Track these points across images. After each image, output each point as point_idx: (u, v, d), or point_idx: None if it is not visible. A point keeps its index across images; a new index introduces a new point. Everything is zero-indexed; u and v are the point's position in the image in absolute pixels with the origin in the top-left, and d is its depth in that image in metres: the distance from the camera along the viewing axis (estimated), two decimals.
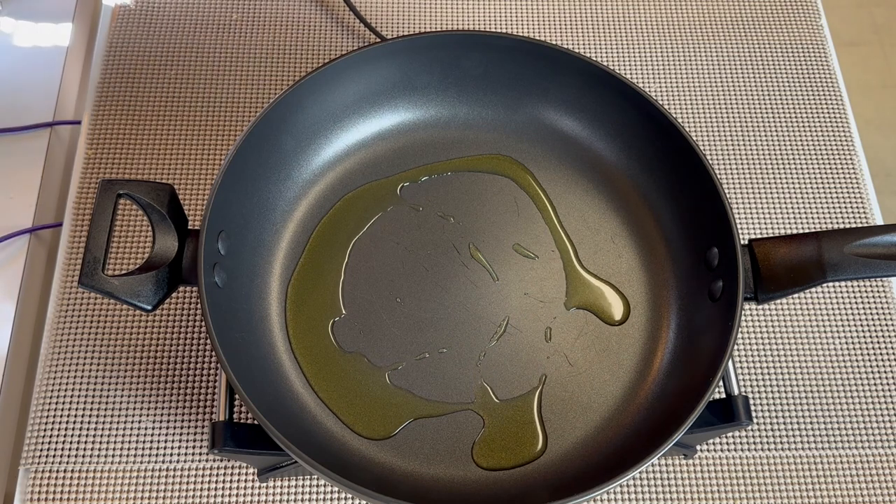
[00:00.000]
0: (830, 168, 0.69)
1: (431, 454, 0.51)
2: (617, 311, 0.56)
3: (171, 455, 0.57)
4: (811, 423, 0.59)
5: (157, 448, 0.57)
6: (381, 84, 0.59)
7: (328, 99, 0.57)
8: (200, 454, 0.57)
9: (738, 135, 0.71)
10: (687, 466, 0.58)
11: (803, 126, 0.71)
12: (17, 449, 0.64)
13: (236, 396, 0.48)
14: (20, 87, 0.80)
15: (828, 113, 0.72)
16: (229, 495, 0.56)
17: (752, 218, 0.67)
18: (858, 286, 0.64)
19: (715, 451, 0.58)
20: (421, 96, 0.61)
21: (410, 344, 0.54)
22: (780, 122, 0.71)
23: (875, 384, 0.61)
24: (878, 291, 0.64)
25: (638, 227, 0.58)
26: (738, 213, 0.67)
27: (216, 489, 0.56)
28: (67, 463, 0.56)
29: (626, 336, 0.55)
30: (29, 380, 0.68)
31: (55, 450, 0.56)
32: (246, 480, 0.56)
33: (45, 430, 0.57)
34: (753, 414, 0.54)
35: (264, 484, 0.56)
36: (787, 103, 0.72)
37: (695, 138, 0.63)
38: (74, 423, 0.57)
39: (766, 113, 0.72)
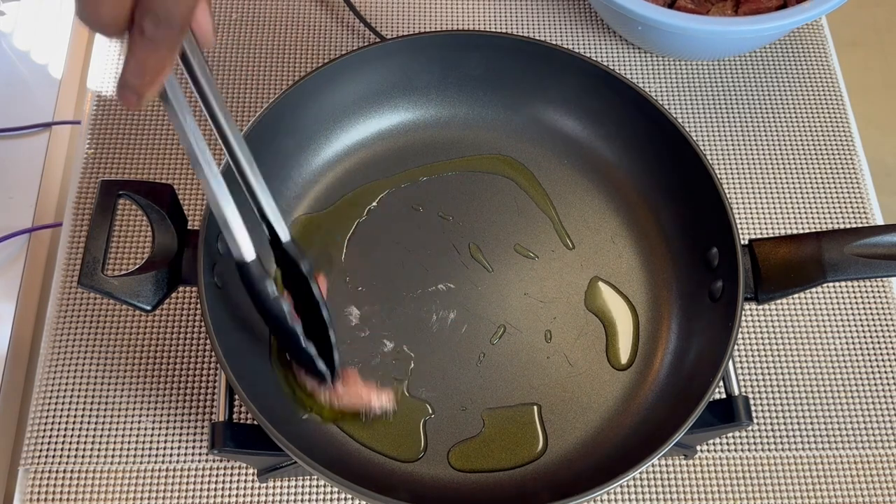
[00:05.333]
0: (830, 168, 0.69)
1: (431, 454, 0.51)
2: (624, 354, 0.55)
3: (171, 455, 0.57)
4: (811, 423, 0.59)
5: (157, 448, 0.57)
6: (381, 84, 0.59)
7: (328, 99, 0.57)
8: (200, 454, 0.57)
9: (738, 135, 0.71)
10: (687, 466, 0.58)
11: (803, 126, 0.71)
12: (17, 449, 0.64)
13: (236, 396, 0.48)
14: (20, 87, 0.80)
15: (828, 113, 0.72)
16: (229, 495, 0.56)
17: (752, 218, 0.67)
18: (858, 286, 0.64)
19: (715, 451, 0.58)
20: (421, 96, 0.60)
21: (410, 344, 0.54)
22: (780, 122, 0.71)
23: (875, 384, 0.61)
24: (878, 291, 0.64)
25: (638, 227, 0.58)
26: (738, 213, 0.67)
27: (216, 489, 0.56)
28: (67, 463, 0.56)
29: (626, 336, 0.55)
30: (29, 380, 0.68)
31: (55, 450, 0.56)
32: (246, 480, 0.56)
33: (44, 430, 0.57)
34: (753, 414, 0.54)
35: (264, 484, 0.56)
36: (787, 103, 0.72)
37: (695, 138, 0.63)
38: (74, 423, 0.57)
39: (766, 113, 0.72)
